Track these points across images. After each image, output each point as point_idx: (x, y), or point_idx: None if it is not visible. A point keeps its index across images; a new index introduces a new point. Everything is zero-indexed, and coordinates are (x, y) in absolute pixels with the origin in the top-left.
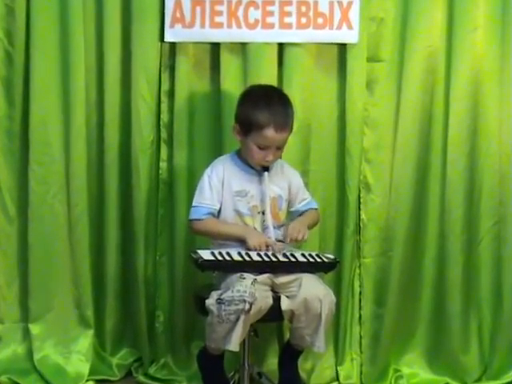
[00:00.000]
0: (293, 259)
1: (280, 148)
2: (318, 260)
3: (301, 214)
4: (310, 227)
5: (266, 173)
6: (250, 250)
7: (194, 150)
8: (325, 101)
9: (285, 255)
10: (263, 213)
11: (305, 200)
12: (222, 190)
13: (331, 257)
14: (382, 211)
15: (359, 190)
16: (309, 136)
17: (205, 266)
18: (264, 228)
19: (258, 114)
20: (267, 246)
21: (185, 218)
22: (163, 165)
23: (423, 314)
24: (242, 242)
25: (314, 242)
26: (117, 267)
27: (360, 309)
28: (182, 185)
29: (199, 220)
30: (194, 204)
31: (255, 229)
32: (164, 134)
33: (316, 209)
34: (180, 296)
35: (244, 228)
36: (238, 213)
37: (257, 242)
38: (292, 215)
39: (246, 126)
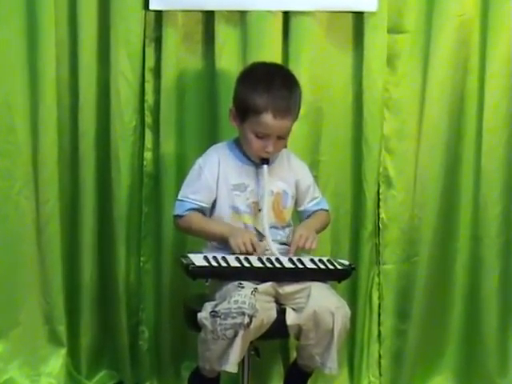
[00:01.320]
0: (300, 266)
1: (282, 138)
2: (330, 267)
3: (310, 215)
4: (320, 231)
5: (265, 166)
6: (234, 251)
7: (184, 138)
8: (338, 80)
9: (291, 261)
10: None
11: (316, 199)
12: (215, 185)
13: (345, 263)
14: (405, 209)
15: (378, 185)
16: (319, 121)
17: (197, 273)
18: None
19: (256, 97)
20: (253, 246)
21: (172, 217)
22: (148, 155)
23: (454, 330)
24: (226, 242)
25: (325, 245)
26: (94, 275)
27: (379, 324)
28: (170, 178)
29: (181, 216)
30: (178, 197)
31: (250, 228)
32: (149, 119)
33: (327, 210)
34: (168, 308)
35: (228, 226)
36: (236, 210)
37: (240, 241)
38: (300, 216)
39: (243, 111)
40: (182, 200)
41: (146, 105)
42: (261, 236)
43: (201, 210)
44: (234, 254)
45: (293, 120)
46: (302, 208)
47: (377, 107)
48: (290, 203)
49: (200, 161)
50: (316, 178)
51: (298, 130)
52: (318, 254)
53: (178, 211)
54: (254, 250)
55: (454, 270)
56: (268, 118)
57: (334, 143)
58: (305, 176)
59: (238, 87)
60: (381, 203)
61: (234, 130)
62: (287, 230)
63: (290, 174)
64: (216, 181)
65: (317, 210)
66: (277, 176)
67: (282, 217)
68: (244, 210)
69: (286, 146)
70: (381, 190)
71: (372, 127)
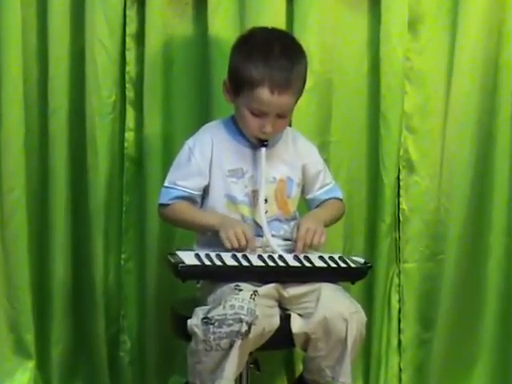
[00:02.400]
0: (308, 264)
1: (283, 116)
2: (343, 265)
3: (320, 204)
4: (331, 223)
5: (263, 149)
6: (224, 245)
7: (171, 116)
8: (351, 47)
9: (297, 259)
10: (266, 201)
11: (327, 185)
12: (208, 170)
13: (360, 261)
14: (429, 198)
15: (398, 170)
16: (329, 95)
17: (187, 273)
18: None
19: (251, 68)
20: (246, 239)
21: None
22: (129, 135)
23: (486, 339)
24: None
25: (336, 240)
26: (66, 275)
27: (399, 332)
28: (155, 163)
29: (167, 205)
30: (165, 183)
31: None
32: (130, 93)
33: (341, 199)
34: (153, 314)
35: (219, 216)
36: (232, 199)
37: (232, 233)
38: (309, 206)
39: (236, 83)
40: (168, 187)
41: (127, 77)
42: (260, 230)
43: (190, 199)
44: (226, 249)
45: (295, 96)
46: (310, 196)
47: (396, 79)
48: (295, 192)
49: (190, 142)
50: (326, 162)
51: (305, 105)
52: (329, 250)
53: (163, 199)
54: (247, 243)
55: (487, 270)
56: (264, 93)
57: (346, 121)
58: (314, 159)
59: (233, 56)
60: (401, 191)
61: (230, 106)
62: (292, 223)
63: (295, 157)
64: (209, 165)
65: (328, 199)
66: (280, 160)
67: (285, 208)
68: (241, 199)
69: (290, 125)
70: (401, 176)
71: (391, 102)
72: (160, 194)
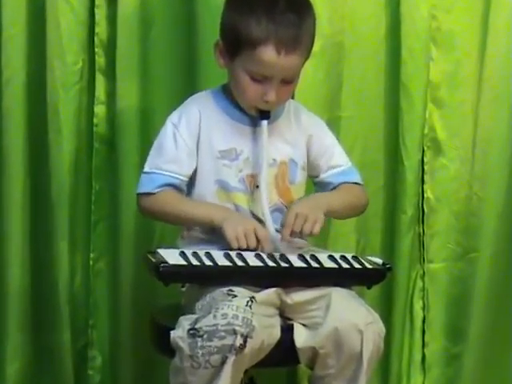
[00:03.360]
0: (315, 265)
1: (289, 81)
2: (357, 266)
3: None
4: (344, 214)
5: (264, 122)
6: (230, 244)
7: (150, 86)
8: (366, 3)
9: (303, 258)
10: None
11: (339, 167)
12: (196, 150)
13: (377, 261)
14: (459, 186)
15: (422, 152)
16: (340, 61)
17: (170, 275)
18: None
19: (252, 24)
20: (257, 239)
21: (135, 196)
22: (100, 110)
23: None
24: (219, 232)
25: (348, 235)
26: (24, 280)
27: (424, 345)
28: (130, 143)
29: (150, 194)
30: (145, 169)
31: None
32: (101, 60)
33: (359, 184)
34: (128, 325)
35: (221, 209)
36: (223, 186)
37: (240, 231)
38: (318, 190)
39: (233, 43)
40: (151, 172)
41: (96, 40)
42: (259, 223)
43: (177, 187)
44: (228, 249)
45: (303, 57)
46: (317, 179)
47: (420, 42)
48: (299, 177)
49: (173, 117)
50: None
51: (311, 74)
52: (340, 248)
53: (145, 188)
54: (259, 244)
55: None
56: (268, 53)
57: (360, 93)
58: (320, 131)
59: (227, 11)
60: (426, 177)
61: (221, 74)
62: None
63: (299, 134)
64: (196, 144)
65: (342, 183)
66: (281, 139)
67: (288, 196)
68: (235, 185)
69: (293, 97)
70: (426, 159)
71: (413, 70)
72: (140, 182)
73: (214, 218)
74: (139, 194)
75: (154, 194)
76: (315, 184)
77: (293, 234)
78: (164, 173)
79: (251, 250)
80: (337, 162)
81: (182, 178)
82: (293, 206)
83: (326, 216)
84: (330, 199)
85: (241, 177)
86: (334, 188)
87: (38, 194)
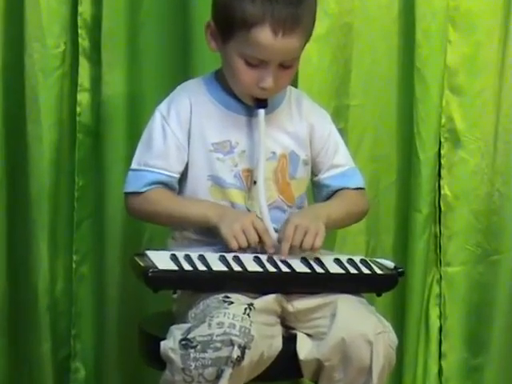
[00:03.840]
0: (320, 269)
1: (288, 66)
2: (366, 271)
3: (329, 196)
4: (342, 224)
5: (261, 111)
6: (228, 245)
7: (138, 72)
8: None
9: (306, 262)
10: None
11: (340, 168)
12: (187, 144)
13: (389, 264)
14: (480, 181)
15: (439, 144)
16: (348, 44)
17: (160, 280)
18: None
19: (246, 2)
20: (260, 239)
21: (122, 193)
22: (83, 98)
23: None
24: (215, 232)
25: (357, 237)
26: (0, 284)
27: (440, 357)
28: (117, 134)
29: (139, 194)
30: (132, 166)
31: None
32: (85, 42)
33: (361, 189)
34: (114, 335)
35: (217, 206)
36: (218, 182)
37: (238, 228)
38: (314, 195)
39: (226, 24)
40: (138, 170)
41: (79, 20)
42: None
43: (168, 184)
44: (226, 250)
45: (303, 38)
46: (315, 179)
47: (437, 23)
48: (301, 171)
49: (162, 108)
50: (342, 132)
51: (316, 58)
52: (348, 249)
53: (132, 187)
54: (261, 241)
55: None
56: (264, 35)
57: (370, 79)
58: (323, 123)
59: None
60: (443, 172)
61: (215, 59)
62: (297, 212)
63: (300, 124)
64: (187, 137)
65: (341, 189)
66: (281, 130)
67: (288, 192)
68: (230, 181)
69: (296, 85)
70: (443, 152)
71: (429, 54)
72: (127, 180)
73: (209, 217)
74: (126, 194)
75: (143, 193)
76: (314, 182)
77: (292, 248)
78: (152, 170)
79: (253, 249)
80: (339, 161)
81: (172, 174)
82: (291, 218)
83: (325, 228)
84: (330, 209)
85: (236, 172)
86: (332, 192)
87: (16, 191)
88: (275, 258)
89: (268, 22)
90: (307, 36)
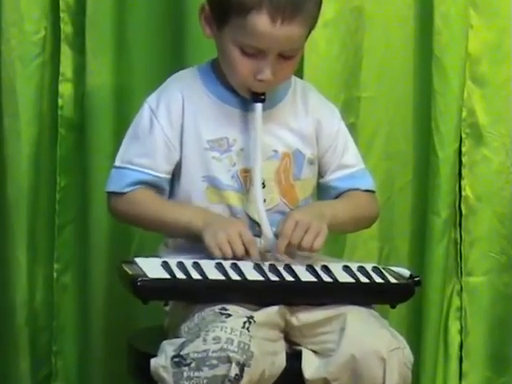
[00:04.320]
0: (327, 278)
1: (288, 57)
2: (378, 280)
3: (336, 197)
4: (349, 227)
5: (258, 106)
6: (211, 254)
7: (126, 60)
8: None
9: (312, 270)
10: (263, 185)
11: (349, 168)
12: (178, 141)
13: (404, 273)
14: (504, 181)
15: (460, 140)
16: (359, 31)
17: (150, 290)
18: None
19: None
20: (246, 249)
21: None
22: (66, 89)
23: None
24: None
25: (369, 242)
26: None
27: (461, 376)
28: (102, 129)
29: (121, 194)
30: (116, 163)
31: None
32: (67, 28)
33: (370, 191)
34: (100, 351)
35: (202, 211)
36: (213, 183)
37: (223, 237)
38: (321, 197)
39: (220, 7)
40: (121, 167)
41: (61, 3)
42: (256, 226)
43: (155, 185)
44: (213, 258)
45: (307, 26)
46: (321, 180)
47: (457, 7)
48: (306, 171)
49: (151, 100)
50: (353, 127)
51: (323, 45)
52: (359, 256)
53: (115, 186)
54: (246, 252)
55: None
56: (261, 21)
57: (383, 69)
58: (331, 119)
59: None
60: (464, 171)
61: (210, 46)
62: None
63: (306, 120)
64: (179, 134)
65: (348, 190)
66: (284, 125)
67: (292, 194)
68: (228, 183)
69: (301, 75)
70: (464, 149)
71: (449, 41)
72: (109, 178)
73: (192, 223)
74: (109, 193)
75: (125, 193)
76: (320, 183)
77: (289, 246)
78: (136, 168)
79: (237, 259)
80: (348, 161)
81: (158, 174)
82: (292, 213)
83: (329, 230)
84: (336, 210)
85: (234, 172)
86: (340, 195)
87: None
88: (277, 264)
89: (266, 7)
90: (311, 24)
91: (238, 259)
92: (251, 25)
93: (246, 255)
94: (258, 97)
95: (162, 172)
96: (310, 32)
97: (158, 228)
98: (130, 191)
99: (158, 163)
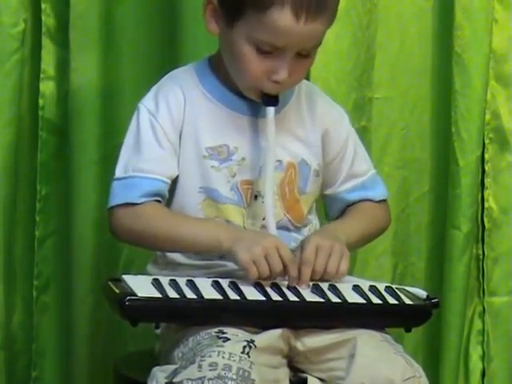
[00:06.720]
0: (335, 299)
1: (306, 55)
2: (392, 301)
3: (344, 209)
4: (362, 243)
5: (271, 109)
6: (246, 274)
7: (115, 56)
8: None
9: (318, 289)
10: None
11: (358, 177)
12: (178, 146)
13: (420, 293)
14: None
15: (483, 146)
16: (372, 25)
17: (139, 311)
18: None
19: None
20: (284, 264)
21: (96, 205)
22: (47, 88)
23: None
24: (225, 257)
25: (382, 258)
26: None
27: None
28: (88, 132)
29: (132, 206)
30: (117, 175)
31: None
32: (49, 19)
33: (383, 201)
34: (83, 378)
35: (228, 227)
36: (211, 195)
37: (259, 254)
38: (327, 209)
39: (234, 3)
40: (127, 177)
41: None
42: None
43: (163, 196)
44: (220, 276)
45: (329, 23)
46: (329, 191)
47: None
48: (312, 184)
49: (148, 102)
50: (364, 131)
51: (332, 41)
52: (370, 274)
53: (124, 197)
54: (285, 268)
55: None
56: (284, 18)
57: (398, 67)
58: (340, 126)
59: None
60: (487, 181)
61: (211, 42)
62: (306, 231)
63: (312, 127)
64: (178, 138)
65: (359, 201)
66: (289, 133)
67: (297, 210)
68: (226, 195)
69: (307, 76)
70: (487, 156)
71: (471, 37)
72: (112, 193)
73: (221, 241)
74: (112, 208)
75: (137, 205)
76: (325, 197)
77: (314, 274)
78: (148, 175)
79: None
80: (358, 169)
81: (165, 181)
82: (310, 237)
83: None
84: (349, 230)
85: (233, 183)
86: (348, 206)
87: None
88: (280, 284)
89: (289, 2)
90: (332, 20)
91: (274, 278)
92: (272, 21)
93: (286, 272)
94: (271, 100)
95: (169, 178)
96: (327, 29)
97: (176, 247)
98: (144, 202)
99: (166, 169)
